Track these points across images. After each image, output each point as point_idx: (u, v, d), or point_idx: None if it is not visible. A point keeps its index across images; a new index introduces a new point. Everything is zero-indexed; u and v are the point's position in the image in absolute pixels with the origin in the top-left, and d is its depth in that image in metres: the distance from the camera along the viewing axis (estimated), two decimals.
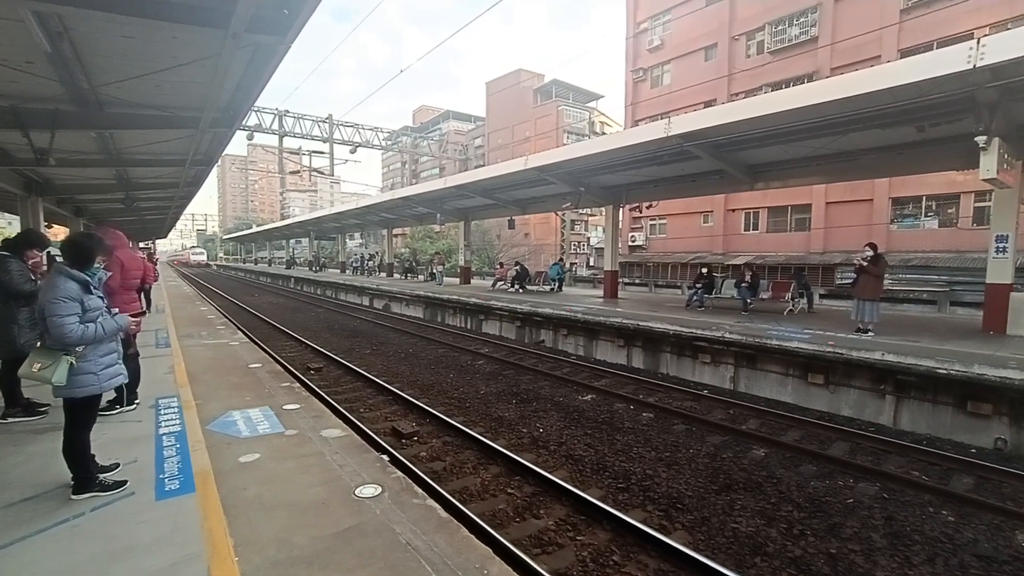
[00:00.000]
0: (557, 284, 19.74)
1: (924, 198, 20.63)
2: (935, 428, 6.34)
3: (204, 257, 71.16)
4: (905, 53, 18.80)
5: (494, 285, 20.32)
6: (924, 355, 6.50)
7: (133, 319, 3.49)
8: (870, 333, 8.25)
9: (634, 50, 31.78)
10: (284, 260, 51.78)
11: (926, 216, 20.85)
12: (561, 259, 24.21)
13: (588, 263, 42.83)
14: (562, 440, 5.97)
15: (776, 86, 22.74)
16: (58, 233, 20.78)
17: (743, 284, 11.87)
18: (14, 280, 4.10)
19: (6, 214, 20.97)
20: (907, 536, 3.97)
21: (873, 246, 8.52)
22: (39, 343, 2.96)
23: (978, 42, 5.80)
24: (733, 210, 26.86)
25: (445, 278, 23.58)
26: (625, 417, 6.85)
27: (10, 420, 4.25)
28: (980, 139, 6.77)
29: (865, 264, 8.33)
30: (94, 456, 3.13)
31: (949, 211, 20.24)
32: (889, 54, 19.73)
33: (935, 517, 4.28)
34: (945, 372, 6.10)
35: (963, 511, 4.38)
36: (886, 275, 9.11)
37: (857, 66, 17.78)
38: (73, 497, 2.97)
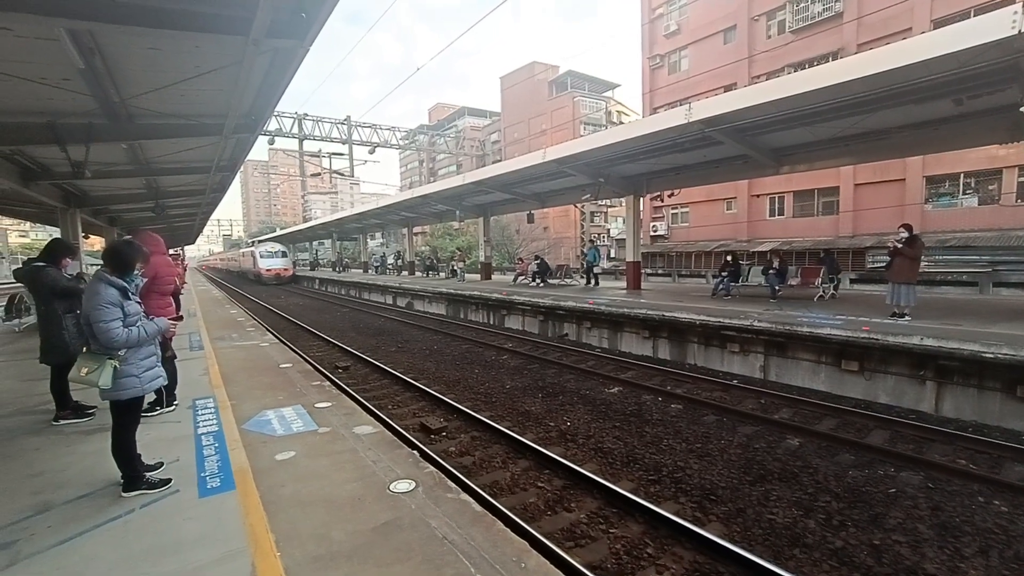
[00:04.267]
0: (592, 275, 17.57)
1: (962, 175, 19.68)
2: (981, 415, 6.08)
3: (284, 261, 36.21)
4: (939, 23, 17.93)
5: (515, 280, 20.31)
6: (967, 339, 6.22)
7: (171, 322, 3.60)
8: (907, 317, 7.95)
9: (650, 36, 31.14)
10: (307, 261, 51.87)
11: (964, 194, 19.90)
12: (593, 242, 21.74)
13: (609, 255, 42.42)
14: (590, 433, 5.94)
15: (799, 66, 21.98)
16: (94, 243, 21.65)
17: (771, 271, 11.57)
18: (56, 280, 4.31)
19: (47, 226, 21.96)
20: (956, 527, 3.82)
21: (908, 227, 8.19)
22: (85, 348, 3.08)
23: (1023, 6, 5.47)
24: (757, 196, 26.15)
25: (466, 275, 23.67)
26: (653, 409, 6.78)
27: (62, 422, 4.45)
28: None
29: (900, 246, 8.02)
30: (140, 455, 3.26)
31: (990, 187, 19.27)
32: (921, 26, 18.83)
33: (986, 508, 4.11)
34: (992, 356, 5.83)
35: (1017, 501, 4.19)
36: (922, 257, 8.74)
37: (886, 40, 17.06)
38: (123, 495, 3.10)
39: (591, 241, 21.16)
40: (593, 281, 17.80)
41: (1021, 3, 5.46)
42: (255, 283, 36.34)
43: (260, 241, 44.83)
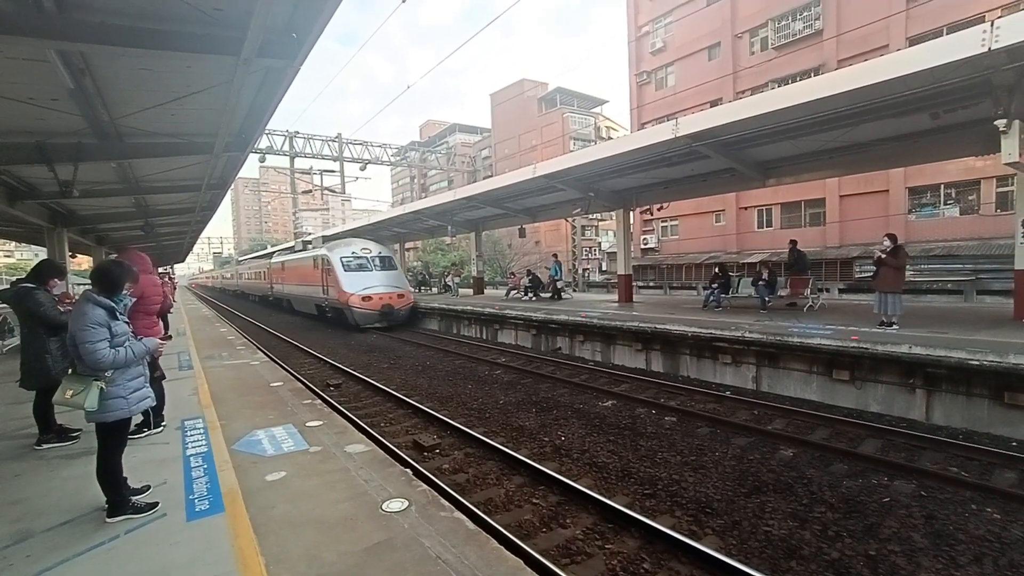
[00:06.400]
0: (555, 290, 17.44)
1: (943, 186, 20.19)
2: (971, 422, 6.13)
3: (395, 278, 18.01)
4: (914, 41, 18.55)
5: (508, 294, 20.32)
6: (954, 346, 6.31)
7: (160, 342, 3.56)
8: (895, 326, 8.04)
9: (637, 54, 31.86)
10: None
11: (946, 204, 20.39)
12: (555, 255, 20.11)
13: (600, 268, 42.67)
14: (585, 448, 5.91)
15: (782, 81, 22.57)
16: (82, 262, 21.39)
17: (760, 282, 11.69)
18: (48, 311, 4.23)
19: (32, 246, 21.69)
20: (950, 535, 3.83)
21: (892, 236, 8.32)
22: (70, 370, 3.03)
23: (992, 24, 5.69)
24: (745, 208, 26.59)
25: (459, 289, 23.63)
26: (647, 422, 6.76)
27: (45, 446, 4.34)
28: (1000, 123, 6.60)
29: (884, 256, 8.15)
30: (126, 479, 3.19)
31: (970, 198, 19.76)
32: (897, 43, 19.47)
33: (979, 515, 4.13)
34: (978, 363, 5.91)
35: (1009, 507, 4.22)
36: (907, 266, 8.88)
37: (864, 57, 17.58)
38: (108, 520, 3.02)
39: (554, 255, 20.67)
40: (556, 295, 17.58)
41: (990, 22, 5.68)
42: (324, 321, 19.87)
43: (330, 239, 23.38)
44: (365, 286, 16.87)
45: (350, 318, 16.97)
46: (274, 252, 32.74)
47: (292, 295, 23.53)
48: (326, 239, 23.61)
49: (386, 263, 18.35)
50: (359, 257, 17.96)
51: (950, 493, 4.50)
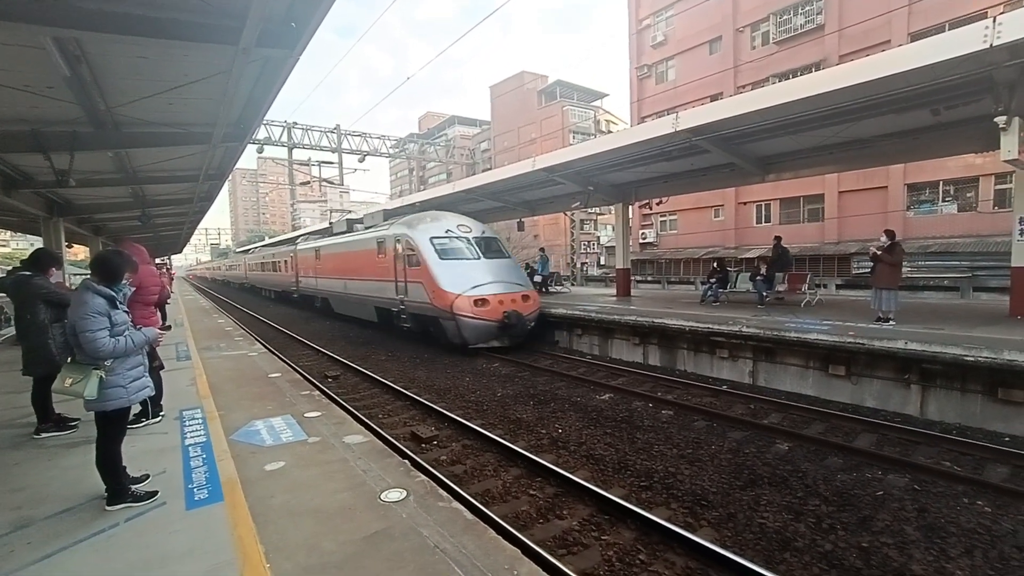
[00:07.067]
0: (542, 285, 17.15)
1: (941, 183, 20.19)
2: (965, 417, 6.19)
3: (511, 272, 11.87)
4: (916, 36, 18.47)
5: None
6: (949, 342, 6.34)
7: (159, 331, 3.56)
8: (891, 322, 8.09)
9: (637, 47, 31.65)
10: None
11: (944, 201, 20.41)
12: (542, 250, 19.86)
13: (599, 262, 42.69)
14: (582, 440, 5.94)
15: (783, 76, 22.47)
16: (78, 252, 21.29)
17: (758, 277, 11.72)
18: (56, 290, 4.27)
19: (28, 236, 21.56)
20: (942, 528, 3.88)
21: (890, 233, 8.35)
22: (70, 359, 3.04)
23: (994, 21, 5.66)
24: (744, 203, 26.57)
25: None
26: (644, 415, 6.80)
27: (43, 435, 4.35)
28: (1000, 120, 6.60)
29: (880, 253, 8.18)
30: (125, 468, 3.20)
31: (968, 195, 19.78)
32: (899, 38, 19.38)
33: (971, 508, 4.18)
34: (973, 359, 5.95)
35: (1000, 501, 4.27)
36: (904, 262, 8.91)
37: (866, 52, 17.51)
38: (107, 508, 3.04)
39: (541, 250, 20.43)
40: (544, 288, 17.67)
41: (992, 18, 5.66)
42: (344, 319, 17.28)
43: (393, 213, 16.87)
44: (474, 283, 10.95)
45: (452, 333, 10.95)
46: (299, 236, 26.72)
47: (334, 293, 17.19)
48: (388, 214, 16.26)
49: (494, 247, 12.61)
50: (457, 238, 11.96)
51: (943, 487, 4.55)
